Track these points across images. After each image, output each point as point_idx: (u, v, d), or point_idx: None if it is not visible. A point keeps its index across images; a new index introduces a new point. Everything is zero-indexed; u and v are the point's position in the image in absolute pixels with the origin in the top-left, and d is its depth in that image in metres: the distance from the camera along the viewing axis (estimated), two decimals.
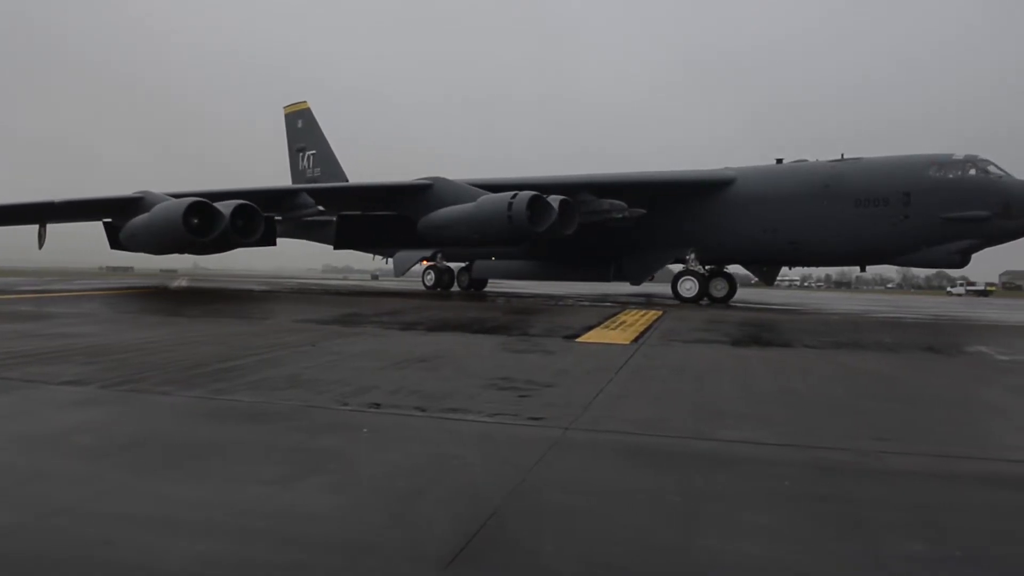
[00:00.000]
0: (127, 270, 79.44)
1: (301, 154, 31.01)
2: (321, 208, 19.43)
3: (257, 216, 16.67)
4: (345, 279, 56.09)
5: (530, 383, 4.64)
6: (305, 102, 31.64)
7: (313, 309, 12.55)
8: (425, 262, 25.30)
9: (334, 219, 21.52)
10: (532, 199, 16.57)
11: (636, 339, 7.77)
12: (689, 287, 18.64)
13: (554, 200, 16.96)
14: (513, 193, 16.78)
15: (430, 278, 24.74)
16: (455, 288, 24.93)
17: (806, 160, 18.71)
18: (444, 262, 24.66)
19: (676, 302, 18.25)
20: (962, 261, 16.02)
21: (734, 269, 20.89)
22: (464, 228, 17.89)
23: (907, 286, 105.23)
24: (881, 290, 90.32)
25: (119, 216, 18.57)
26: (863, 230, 16.53)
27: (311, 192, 19.73)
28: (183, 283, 26.21)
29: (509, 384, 4.59)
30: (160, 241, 16.80)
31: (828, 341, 8.23)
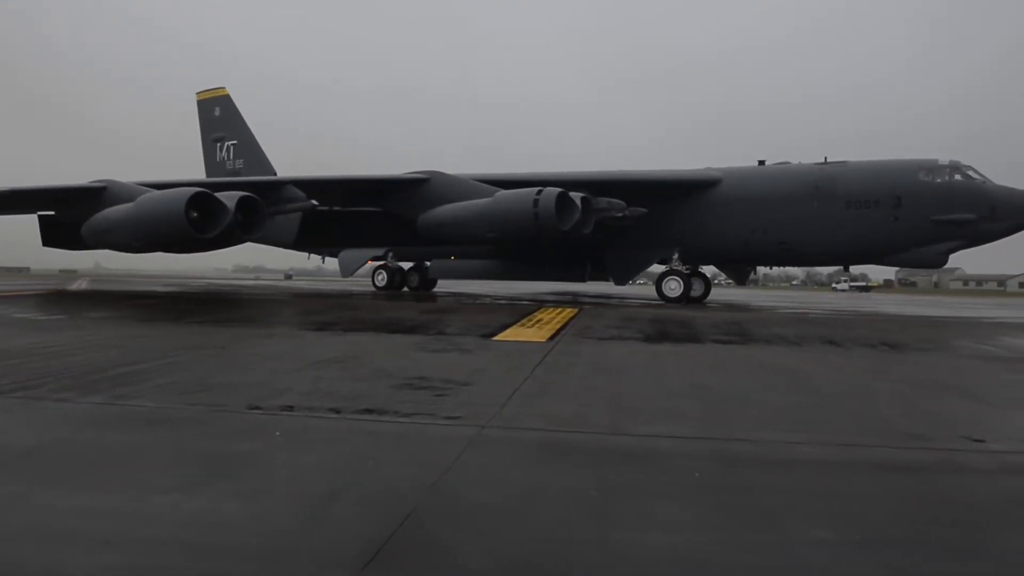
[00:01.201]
0: (22, 271, 75.47)
1: (219, 144, 28.82)
2: (315, 202, 18.08)
3: (260, 209, 15.04)
4: (258, 279, 54.76)
5: (447, 382, 4.63)
6: (223, 88, 29.26)
7: (225, 310, 12.20)
8: (371, 261, 24.42)
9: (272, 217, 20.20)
10: (559, 196, 16.02)
11: (552, 337, 7.84)
12: (674, 287, 18.60)
13: (575, 197, 16.44)
14: (537, 189, 16.17)
15: (381, 278, 23.80)
16: (404, 289, 24.15)
17: (788, 162, 18.96)
18: (396, 261, 23.83)
19: (594, 300, 18.48)
20: (944, 261, 16.86)
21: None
22: (478, 226, 17.03)
23: (811, 283, 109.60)
24: (787, 286, 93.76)
25: (70, 208, 16.56)
26: (855, 231, 16.95)
27: (295, 184, 18.21)
28: (83, 285, 25.08)
29: (425, 384, 4.57)
30: (150, 237, 14.66)
31: (737, 336, 8.49)
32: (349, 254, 24.64)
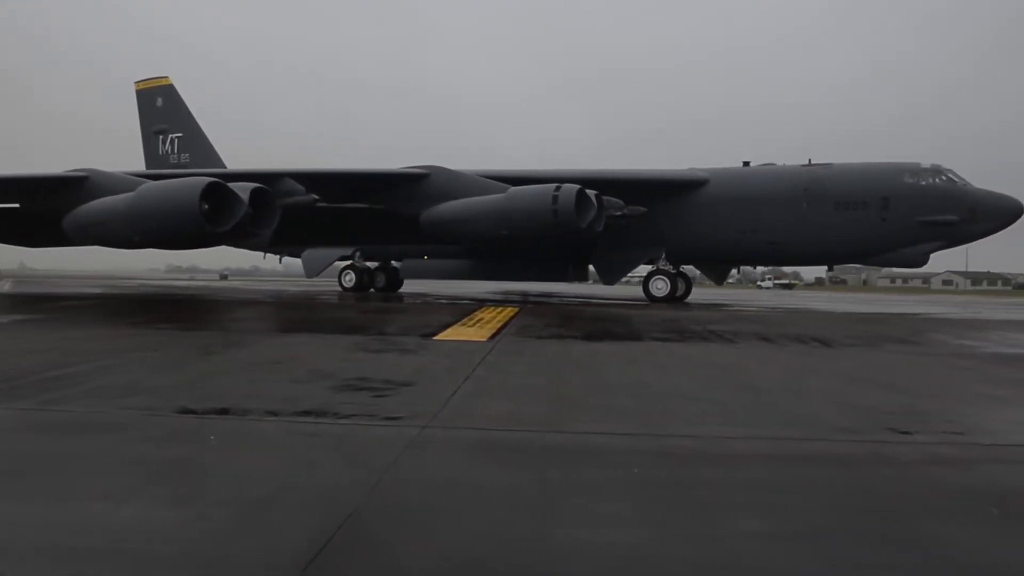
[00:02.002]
0: None
1: (161, 137, 27.30)
2: (315, 197, 17.04)
3: (272, 202, 14.09)
4: (192, 279, 53.50)
5: (387, 383, 4.60)
6: (167, 77, 27.87)
7: (159, 312, 11.88)
8: (337, 261, 23.72)
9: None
10: (579, 192, 15.66)
11: (493, 336, 7.86)
12: (660, 286, 18.62)
13: (591, 195, 16.13)
14: (555, 186, 15.78)
15: (349, 279, 23.07)
16: (371, 290, 23.38)
17: (773, 164, 19.13)
18: (363, 261, 23.20)
19: (538, 299, 18.54)
20: (926, 261, 17.40)
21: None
22: (490, 223, 16.50)
23: (745, 281, 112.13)
24: (724, 284, 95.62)
25: (41, 200, 15.11)
26: (843, 232, 17.25)
27: (293, 177, 17.24)
28: (6, 287, 24.15)
29: (366, 384, 4.52)
30: (155, 230, 13.33)
31: (674, 334, 8.63)
32: (314, 253, 23.68)
